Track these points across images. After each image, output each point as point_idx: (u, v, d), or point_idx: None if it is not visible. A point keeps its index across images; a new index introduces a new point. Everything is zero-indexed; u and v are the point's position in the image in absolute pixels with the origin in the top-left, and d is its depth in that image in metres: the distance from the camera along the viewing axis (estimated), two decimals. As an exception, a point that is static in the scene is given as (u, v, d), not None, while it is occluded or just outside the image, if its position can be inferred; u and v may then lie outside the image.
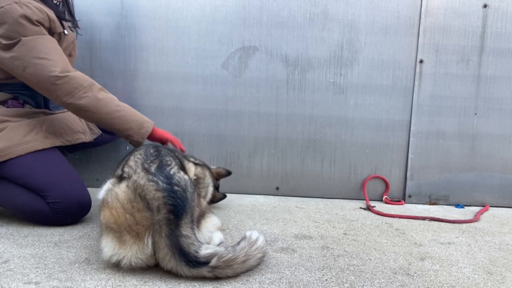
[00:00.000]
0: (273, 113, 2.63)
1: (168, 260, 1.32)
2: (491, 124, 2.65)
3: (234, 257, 1.36)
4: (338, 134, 2.66)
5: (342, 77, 2.61)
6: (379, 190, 2.70)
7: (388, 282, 1.41)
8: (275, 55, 2.59)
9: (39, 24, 1.72)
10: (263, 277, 1.40)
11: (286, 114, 2.64)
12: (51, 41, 1.75)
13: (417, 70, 2.61)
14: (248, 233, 1.48)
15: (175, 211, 1.35)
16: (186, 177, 1.54)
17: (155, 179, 1.41)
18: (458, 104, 2.64)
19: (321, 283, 1.38)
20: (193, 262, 1.31)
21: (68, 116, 2.05)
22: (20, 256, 1.52)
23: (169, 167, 1.51)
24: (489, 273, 1.54)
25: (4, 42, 1.65)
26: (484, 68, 2.61)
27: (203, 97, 2.60)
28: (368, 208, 2.43)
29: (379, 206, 2.50)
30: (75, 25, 2.17)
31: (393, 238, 1.91)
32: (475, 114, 2.64)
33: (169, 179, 1.43)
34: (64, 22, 1.94)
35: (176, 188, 1.41)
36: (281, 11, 2.55)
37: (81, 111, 1.77)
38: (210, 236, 1.55)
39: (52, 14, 1.81)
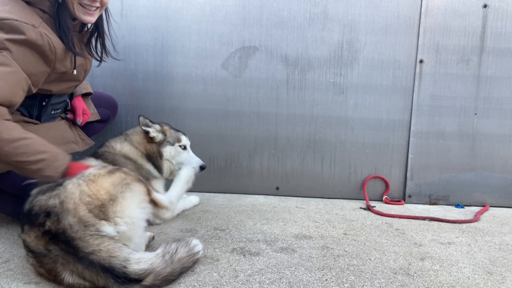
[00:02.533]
0: (273, 113, 2.63)
1: (97, 279, 1.22)
2: (491, 124, 2.64)
3: (171, 271, 1.30)
4: (338, 134, 2.66)
5: (342, 77, 2.61)
6: (379, 190, 2.70)
7: (388, 282, 1.41)
8: (275, 55, 2.59)
9: (39, 56, 1.57)
10: (263, 277, 1.40)
11: (286, 114, 2.63)
12: (22, 82, 1.54)
13: (417, 70, 2.61)
14: (193, 243, 1.43)
15: (59, 236, 1.23)
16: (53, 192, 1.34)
17: (24, 222, 1.31)
18: (458, 104, 2.64)
19: (321, 283, 1.38)
20: (122, 278, 1.19)
21: (60, 126, 1.94)
22: (20, 256, 1.52)
23: (34, 199, 1.34)
24: (489, 273, 1.54)
25: None
26: (484, 68, 2.61)
27: (203, 97, 2.60)
28: (368, 208, 2.42)
29: (379, 206, 2.50)
30: (105, 54, 1.98)
31: (393, 238, 1.91)
32: (475, 114, 2.64)
33: (30, 215, 1.30)
34: (77, 58, 1.78)
35: (36, 211, 1.28)
36: (281, 11, 2.55)
37: None
38: (132, 220, 1.37)
39: (61, 51, 1.65)
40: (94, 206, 1.30)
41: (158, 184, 2.06)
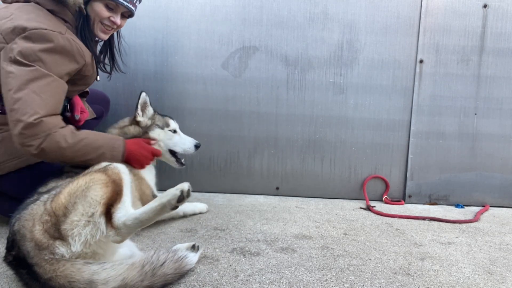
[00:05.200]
0: (273, 113, 2.63)
1: None
2: (491, 124, 2.65)
3: (150, 285, 1.16)
4: (338, 134, 2.66)
5: (342, 77, 2.61)
6: (379, 190, 2.70)
7: (388, 282, 1.41)
8: (275, 55, 2.59)
9: (70, 61, 1.66)
10: (263, 277, 1.40)
11: (286, 114, 2.63)
12: (61, 87, 1.64)
13: (417, 70, 2.61)
14: (186, 261, 1.30)
15: (22, 262, 1.17)
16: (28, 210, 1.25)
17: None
18: (458, 104, 2.64)
19: (321, 283, 1.38)
20: None
21: None
22: (20, 256, 1.51)
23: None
24: (489, 273, 1.54)
25: (18, 57, 1.53)
26: (484, 68, 2.61)
27: (203, 97, 2.60)
28: (368, 208, 2.42)
29: (379, 206, 2.50)
30: (116, 69, 2.11)
31: (393, 238, 1.91)
32: (475, 114, 2.64)
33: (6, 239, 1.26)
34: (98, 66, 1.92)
35: (8, 238, 1.24)
36: (281, 11, 2.55)
37: (40, 154, 1.55)
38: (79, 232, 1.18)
39: (89, 58, 1.77)
40: (51, 225, 1.17)
41: (146, 172, 1.95)
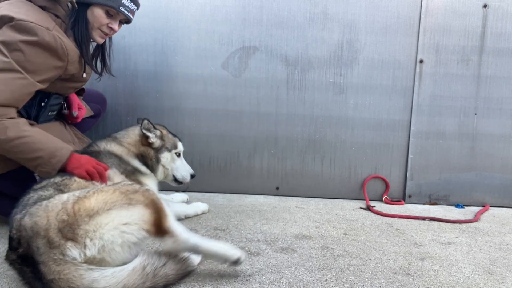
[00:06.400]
0: (273, 113, 2.63)
1: None
2: (491, 124, 2.65)
3: (152, 286, 1.16)
4: (338, 134, 2.66)
5: (342, 77, 2.61)
6: (379, 190, 2.70)
7: (388, 282, 1.41)
8: (275, 55, 2.59)
9: (52, 57, 1.65)
10: (263, 277, 1.40)
11: (286, 114, 2.63)
12: (27, 86, 1.61)
13: (417, 70, 2.61)
14: (188, 262, 1.31)
15: (29, 259, 1.16)
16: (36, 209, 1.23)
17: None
18: (458, 104, 2.64)
19: (321, 283, 1.38)
20: None
21: (56, 127, 1.96)
22: (20, 256, 1.51)
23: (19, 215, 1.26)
24: (489, 273, 1.54)
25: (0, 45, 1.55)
26: (484, 68, 2.61)
27: (203, 97, 2.60)
28: (368, 208, 2.42)
29: (379, 206, 2.50)
30: (106, 71, 2.09)
31: (393, 238, 1.91)
32: (475, 114, 2.64)
33: (9, 238, 1.25)
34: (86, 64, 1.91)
35: (12, 235, 1.23)
36: (281, 11, 2.55)
37: None
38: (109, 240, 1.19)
39: (74, 56, 1.75)
40: (66, 224, 1.16)
41: (148, 181, 1.94)
